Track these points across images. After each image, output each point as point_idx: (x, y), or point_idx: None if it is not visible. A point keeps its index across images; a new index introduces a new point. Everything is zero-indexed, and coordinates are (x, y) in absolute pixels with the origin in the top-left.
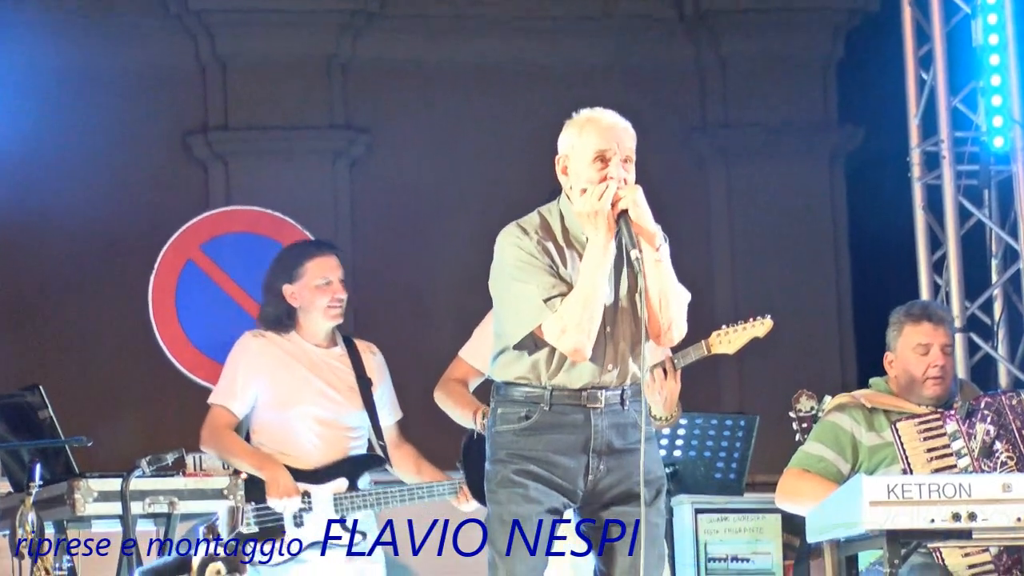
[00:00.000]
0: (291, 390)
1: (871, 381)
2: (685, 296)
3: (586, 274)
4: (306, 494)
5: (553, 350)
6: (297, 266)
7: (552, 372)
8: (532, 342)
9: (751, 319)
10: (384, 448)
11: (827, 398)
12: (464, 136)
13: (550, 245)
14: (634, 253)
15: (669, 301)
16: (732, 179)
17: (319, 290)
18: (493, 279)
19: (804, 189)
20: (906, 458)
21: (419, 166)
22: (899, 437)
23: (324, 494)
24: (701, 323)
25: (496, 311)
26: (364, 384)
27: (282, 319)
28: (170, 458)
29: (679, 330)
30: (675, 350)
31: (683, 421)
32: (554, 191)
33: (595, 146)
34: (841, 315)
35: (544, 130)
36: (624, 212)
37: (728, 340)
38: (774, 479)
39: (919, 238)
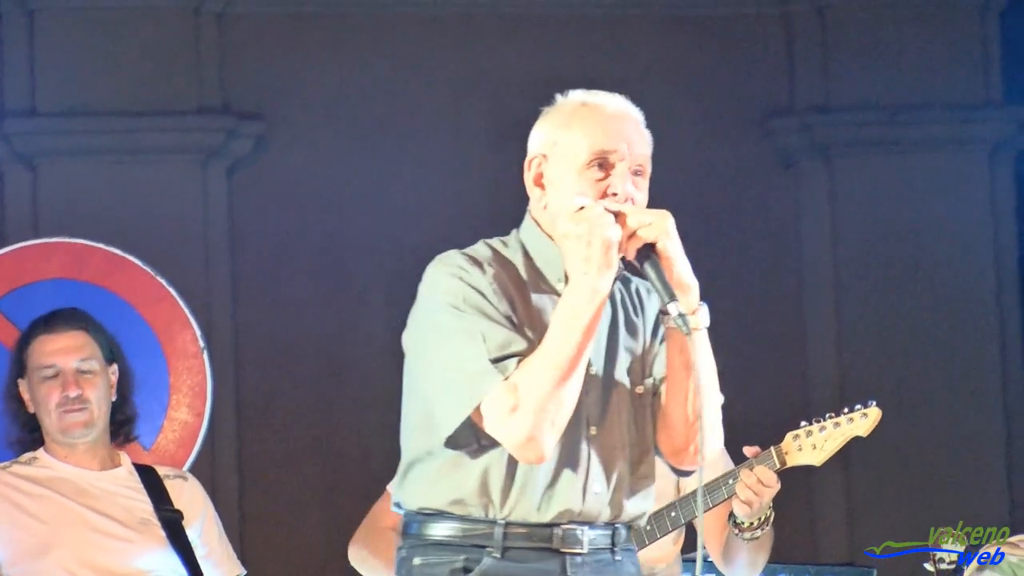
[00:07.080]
0: (45, 531)
1: None
2: (719, 397)
3: (561, 325)
4: None
5: (512, 462)
6: (24, 348)
7: (508, 495)
8: (474, 436)
9: (845, 410)
10: None
11: None
12: (407, 124)
13: (510, 288)
14: (674, 307)
15: (707, 398)
16: (835, 185)
17: (44, 386)
18: (412, 334)
19: (949, 201)
20: None
21: (333, 170)
22: None
23: None
24: (788, 404)
25: (414, 386)
26: (168, 516)
27: (26, 430)
28: None
29: (713, 445)
30: (735, 461)
31: None
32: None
33: (593, 144)
34: (1007, 395)
35: (535, 111)
36: (650, 247)
37: (812, 444)
38: None
39: None
